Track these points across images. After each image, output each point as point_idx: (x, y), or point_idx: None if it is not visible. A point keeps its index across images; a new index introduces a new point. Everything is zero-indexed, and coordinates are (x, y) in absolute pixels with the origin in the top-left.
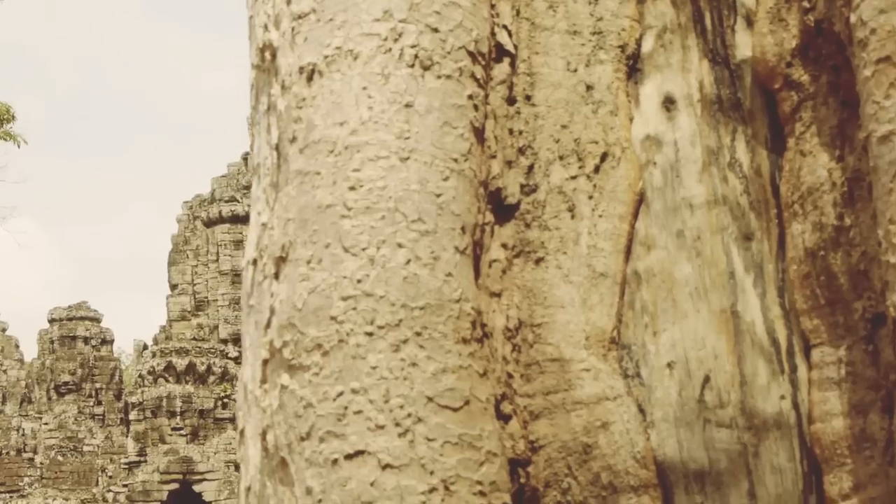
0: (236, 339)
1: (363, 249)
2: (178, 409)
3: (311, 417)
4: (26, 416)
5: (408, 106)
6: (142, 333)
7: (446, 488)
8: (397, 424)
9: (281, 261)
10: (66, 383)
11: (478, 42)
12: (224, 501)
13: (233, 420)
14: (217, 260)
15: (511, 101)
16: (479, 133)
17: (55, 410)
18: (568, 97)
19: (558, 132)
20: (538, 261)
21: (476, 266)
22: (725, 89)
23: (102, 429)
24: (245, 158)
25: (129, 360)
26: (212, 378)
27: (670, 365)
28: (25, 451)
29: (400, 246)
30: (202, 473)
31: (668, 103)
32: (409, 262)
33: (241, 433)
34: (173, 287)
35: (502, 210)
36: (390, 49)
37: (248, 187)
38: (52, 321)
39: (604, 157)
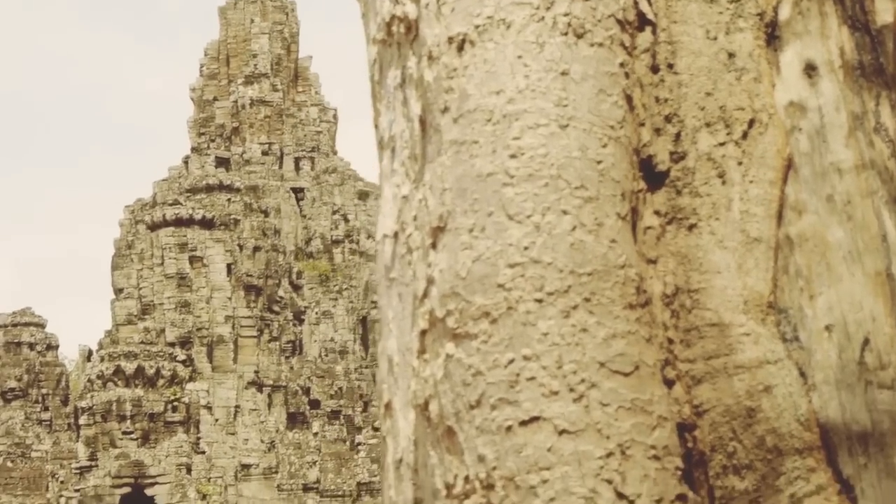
0: (184, 343)
1: (528, 217)
2: (128, 413)
3: (481, 385)
4: None
5: (564, 74)
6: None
7: (622, 453)
8: (571, 390)
9: (439, 230)
10: (12, 389)
11: (625, 10)
12: None
13: (183, 423)
14: (162, 263)
15: (655, 69)
16: (630, 101)
17: (2, 417)
18: (710, 65)
19: (703, 100)
20: (691, 227)
21: (633, 233)
22: (867, 55)
23: (50, 434)
24: (186, 162)
25: (72, 366)
26: (161, 381)
27: (828, 328)
28: None
29: (564, 213)
30: (154, 477)
31: (810, 70)
32: (574, 228)
33: (387, 406)
34: (118, 291)
35: (653, 177)
36: (543, 17)
37: (190, 190)
38: None
39: (751, 123)
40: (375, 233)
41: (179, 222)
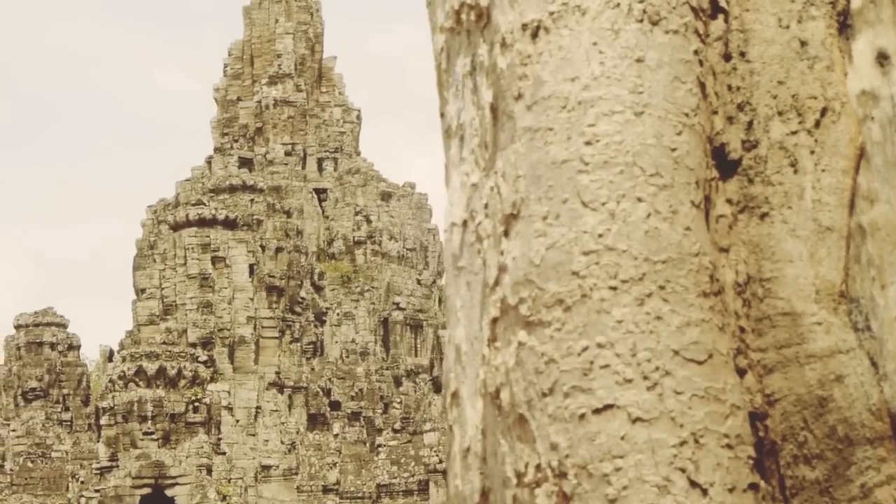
0: (205, 343)
1: (603, 204)
2: (149, 414)
3: (554, 373)
4: None
5: (639, 61)
6: (103, 339)
7: (696, 441)
8: (645, 378)
9: (511, 218)
10: (33, 389)
11: None
12: None
13: (204, 424)
14: (185, 264)
15: (727, 57)
16: (703, 89)
17: (23, 417)
18: (782, 53)
19: (775, 88)
20: (763, 216)
21: (705, 221)
22: None
23: (70, 434)
24: (208, 162)
25: (92, 366)
26: (182, 382)
27: None
28: None
29: (639, 200)
30: (174, 478)
31: (882, 58)
32: (649, 216)
33: (454, 395)
34: (140, 291)
35: (725, 166)
36: (618, 4)
37: (213, 191)
38: (18, 327)
39: (823, 112)
40: (394, 234)
41: (202, 222)
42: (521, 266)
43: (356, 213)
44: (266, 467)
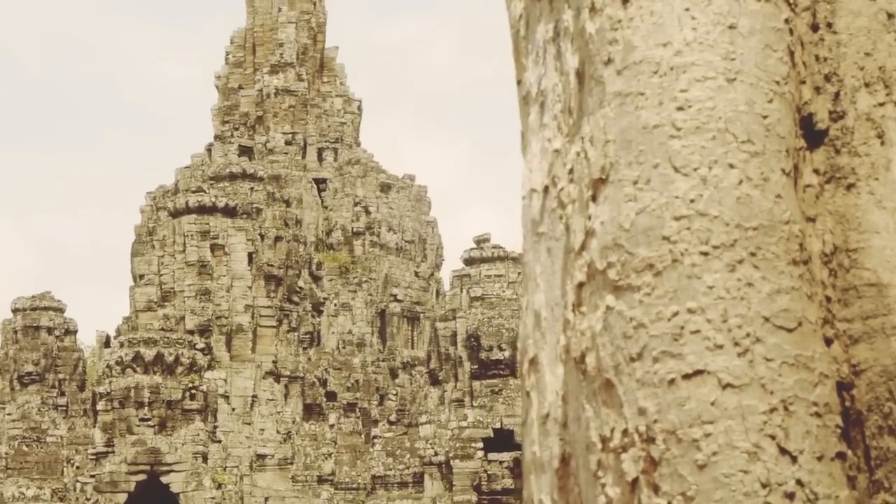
0: (203, 330)
1: (695, 169)
2: (145, 400)
3: (643, 338)
4: None
5: (731, 27)
6: (99, 325)
7: (785, 408)
8: (736, 344)
9: (600, 183)
10: (29, 373)
11: None
12: (191, 493)
13: (200, 412)
14: (183, 251)
15: (814, 27)
16: (793, 58)
17: (18, 401)
18: (869, 25)
19: (862, 59)
20: (849, 186)
21: (794, 190)
22: None
23: (66, 419)
24: (208, 150)
25: (88, 352)
26: (180, 369)
27: None
28: None
29: (731, 166)
30: (170, 465)
31: None
32: (740, 182)
33: (532, 361)
34: (138, 278)
35: (812, 136)
36: None
37: (213, 178)
38: (15, 311)
39: None
40: (393, 226)
41: (202, 210)
42: (610, 230)
43: (355, 204)
44: (261, 456)
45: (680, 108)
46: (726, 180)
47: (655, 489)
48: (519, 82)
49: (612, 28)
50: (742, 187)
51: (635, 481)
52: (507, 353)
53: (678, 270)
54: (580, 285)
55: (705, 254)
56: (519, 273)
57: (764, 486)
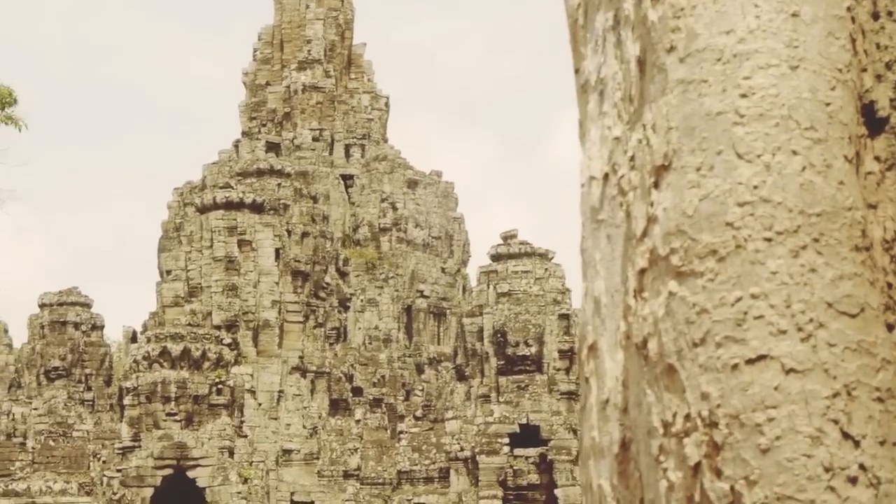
0: (230, 326)
1: (758, 156)
2: (172, 395)
3: (706, 323)
4: (16, 400)
5: (794, 15)
6: (124, 320)
7: (848, 393)
8: (799, 329)
9: (662, 169)
10: (56, 368)
11: None
12: (217, 487)
13: (227, 406)
14: (211, 246)
15: (875, 16)
16: (854, 45)
17: (45, 395)
18: None
19: None
20: None
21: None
22: None
23: (92, 414)
24: (236, 146)
25: (114, 347)
26: (206, 364)
27: None
28: (16, 436)
29: (794, 153)
30: (196, 459)
31: None
32: (803, 168)
33: (591, 347)
34: (165, 273)
35: (873, 123)
36: None
37: (241, 174)
38: (42, 306)
39: None
40: (419, 222)
41: (229, 205)
42: (673, 217)
43: (382, 200)
44: (287, 451)
45: (743, 96)
46: (790, 167)
47: (718, 473)
48: (577, 71)
49: (675, 16)
50: (805, 174)
51: (697, 465)
52: (533, 349)
53: (741, 256)
54: (642, 271)
55: (769, 240)
56: (545, 269)
57: (827, 470)
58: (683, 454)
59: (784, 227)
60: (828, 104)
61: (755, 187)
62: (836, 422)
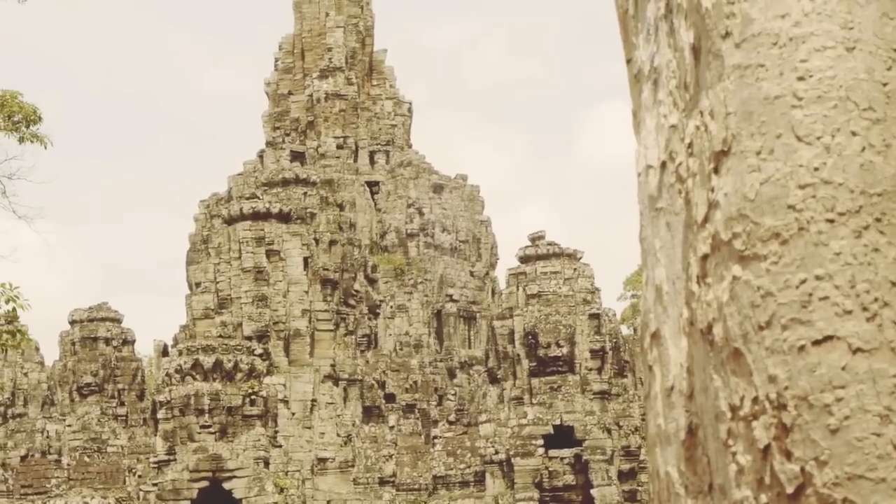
0: (261, 336)
1: (818, 138)
2: (206, 407)
3: (772, 306)
4: (49, 418)
5: None
6: (154, 334)
7: None
8: (864, 309)
9: (722, 154)
10: (88, 384)
11: None
12: (254, 498)
13: (261, 417)
14: (239, 257)
15: None
16: None
17: (78, 412)
18: None
19: None
20: None
21: None
22: None
23: (126, 429)
24: (260, 156)
25: (145, 362)
26: (239, 375)
27: None
28: (50, 454)
29: (853, 134)
30: (231, 471)
31: None
32: (863, 149)
33: (654, 335)
34: (195, 286)
35: None
36: None
37: (266, 184)
38: (72, 322)
39: None
40: (446, 226)
41: (256, 216)
42: (734, 201)
43: (408, 206)
44: (322, 460)
45: (801, 78)
46: (849, 148)
47: (788, 455)
48: (629, 61)
49: (729, 2)
50: (865, 154)
51: (767, 448)
52: (564, 350)
53: (804, 238)
54: (704, 257)
55: (831, 221)
56: (574, 269)
57: None
58: (752, 437)
59: (846, 207)
60: (885, 84)
61: (816, 169)
62: None
